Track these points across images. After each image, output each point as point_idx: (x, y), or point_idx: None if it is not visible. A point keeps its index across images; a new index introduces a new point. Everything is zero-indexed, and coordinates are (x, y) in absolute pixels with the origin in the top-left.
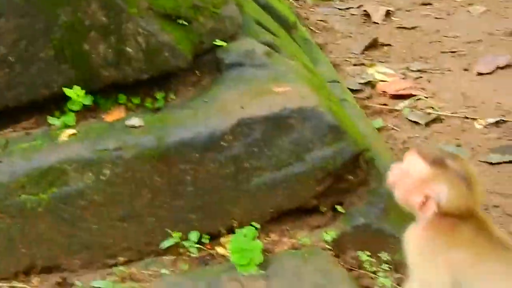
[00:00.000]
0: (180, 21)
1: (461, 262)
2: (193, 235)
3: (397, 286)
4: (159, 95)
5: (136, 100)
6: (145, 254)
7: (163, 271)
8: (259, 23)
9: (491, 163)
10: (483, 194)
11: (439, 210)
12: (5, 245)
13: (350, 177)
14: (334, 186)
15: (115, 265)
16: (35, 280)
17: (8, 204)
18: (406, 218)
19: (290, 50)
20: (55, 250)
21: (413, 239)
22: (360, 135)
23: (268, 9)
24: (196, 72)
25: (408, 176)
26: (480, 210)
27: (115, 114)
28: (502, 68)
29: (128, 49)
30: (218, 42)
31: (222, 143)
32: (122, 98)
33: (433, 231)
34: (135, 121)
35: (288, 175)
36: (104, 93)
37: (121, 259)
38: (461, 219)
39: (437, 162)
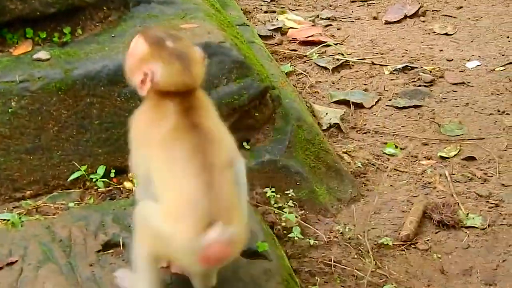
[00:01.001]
0: None
1: (153, 143)
2: (100, 169)
3: (302, 222)
4: (66, 29)
5: (43, 35)
6: (52, 187)
7: (70, 204)
8: None
9: (397, 107)
10: (201, 76)
11: (155, 87)
12: None
13: (256, 114)
14: (241, 122)
15: (22, 198)
16: None
17: None
18: (312, 156)
19: None
20: None
21: (134, 119)
22: (266, 73)
23: None
24: (104, 8)
25: (132, 56)
26: (200, 93)
27: (22, 48)
28: (409, 17)
29: None
30: None
31: None
32: (30, 32)
33: (149, 112)
34: (42, 54)
35: None
36: (11, 27)
37: (28, 192)
38: (175, 99)
39: (156, 42)
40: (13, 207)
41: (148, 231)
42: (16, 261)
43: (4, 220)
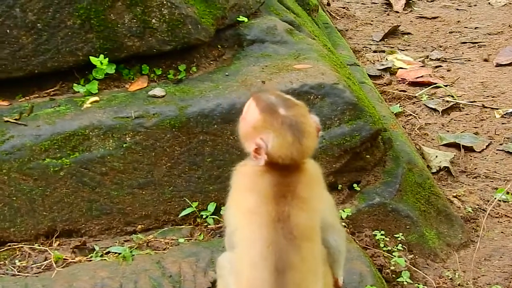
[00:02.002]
0: None
1: (242, 209)
2: (211, 206)
3: (411, 266)
4: (181, 67)
5: (159, 71)
6: (163, 222)
7: (181, 240)
8: (281, 2)
9: (509, 152)
10: (312, 149)
11: (267, 157)
12: (27, 207)
13: (367, 156)
14: (351, 164)
15: (134, 232)
16: (55, 243)
17: (31, 166)
18: (422, 200)
19: (311, 30)
20: (75, 214)
21: (235, 173)
22: (378, 115)
23: None
24: (218, 46)
25: (245, 122)
26: (306, 166)
27: (137, 84)
28: None
29: (153, 20)
30: (241, 18)
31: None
32: (145, 68)
33: (248, 176)
34: (157, 91)
35: None
36: (128, 63)
37: (139, 226)
38: (277, 172)
39: (268, 109)
40: (124, 241)
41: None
42: None
43: (116, 253)
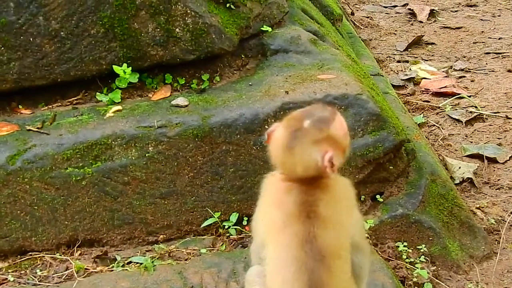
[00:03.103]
0: (228, 5)
1: (269, 223)
2: (233, 217)
3: (434, 278)
4: (204, 76)
5: (182, 81)
6: (184, 232)
7: (203, 250)
8: (305, 12)
9: None
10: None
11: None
12: (48, 216)
13: (391, 167)
14: (375, 175)
15: (155, 242)
16: (76, 252)
17: (53, 175)
18: (445, 211)
19: (335, 39)
20: (97, 223)
21: (264, 183)
22: (402, 126)
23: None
24: (242, 56)
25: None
26: (331, 185)
27: (160, 93)
28: None
29: (176, 30)
30: (265, 28)
31: (265, 126)
32: (169, 78)
33: (275, 189)
34: (180, 100)
35: None
36: (151, 72)
37: (161, 236)
38: (298, 188)
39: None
40: (146, 251)
41: None
42: None
43: (137, 263)
